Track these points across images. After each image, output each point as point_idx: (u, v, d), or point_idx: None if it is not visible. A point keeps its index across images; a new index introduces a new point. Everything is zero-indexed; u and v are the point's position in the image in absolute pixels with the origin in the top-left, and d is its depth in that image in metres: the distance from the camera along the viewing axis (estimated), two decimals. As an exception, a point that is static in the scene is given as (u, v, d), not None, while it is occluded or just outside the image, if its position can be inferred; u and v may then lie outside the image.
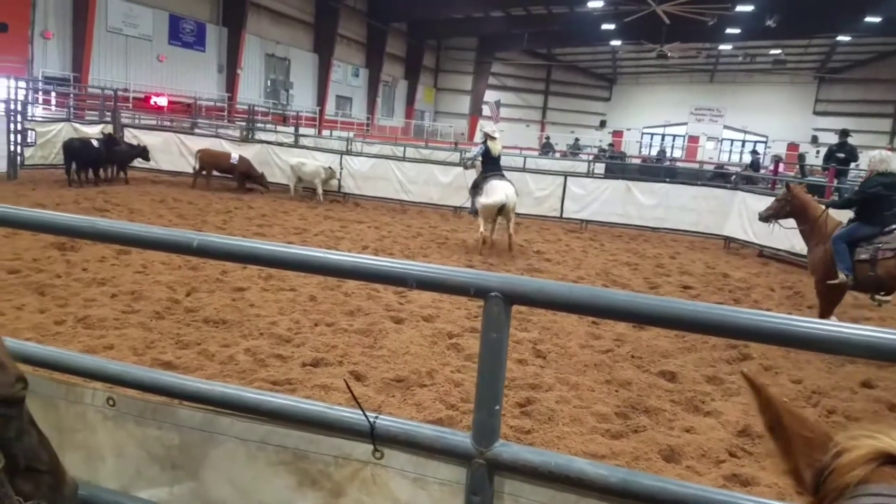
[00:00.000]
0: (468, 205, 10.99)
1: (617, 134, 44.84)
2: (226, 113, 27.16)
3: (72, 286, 6.37)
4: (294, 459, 1.69)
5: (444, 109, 47.95)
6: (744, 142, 44.64)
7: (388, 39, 38.91)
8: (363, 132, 32.63)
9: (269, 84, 31.27)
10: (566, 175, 15.16)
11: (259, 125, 23.02)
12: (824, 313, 6.75)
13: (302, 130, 24.01)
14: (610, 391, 4.91)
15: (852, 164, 16.00)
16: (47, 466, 1.12)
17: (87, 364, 1.97)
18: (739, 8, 30.13)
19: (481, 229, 10.41)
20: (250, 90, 29.42)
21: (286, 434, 1.70)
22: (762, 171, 20.64)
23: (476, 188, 10.60)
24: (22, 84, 15.29)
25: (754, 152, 25.43)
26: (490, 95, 45.68)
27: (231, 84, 28.15)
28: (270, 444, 1.71)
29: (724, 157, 43.16)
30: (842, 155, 15.30)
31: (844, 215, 6.99)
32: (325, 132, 28.15)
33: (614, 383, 5.05)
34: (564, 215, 14.44)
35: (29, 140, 14.09)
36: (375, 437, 1.58)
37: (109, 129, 15.23)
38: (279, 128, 24.14)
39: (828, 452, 0.76)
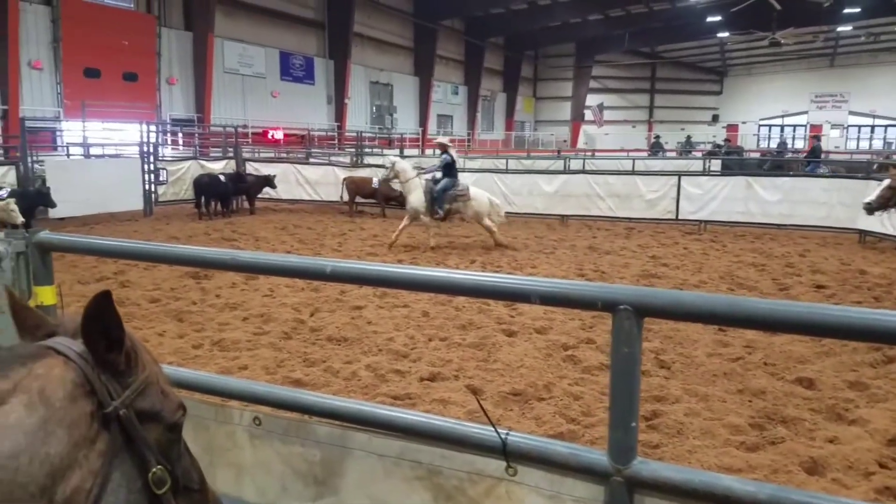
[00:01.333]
0: (420, 209, 11.29)
1: (731, 128, 42.80)
2: (336, 141, 28.35)
3: (207, 312, 6.84)
4: (429, 475, 1.72)
5: (545, 118, 47.66)
6: (873, 127, 41.27)
7: (486, 55, 39.26)
8: (464, 148, 33.01)
9: (374, 110, 32.41)
10: (679, 175, 14.60)
11: (367, 150, 23.87)
12: None
13: (406, 152, 24.65)
14: (742, 401, 4.65)
15: None
16: (198, 485, 1.22)
17: (235, 386, 2.11)
18: (858, -15, 28.10)
19: (406, 227, 11.41)
20: (357, 117, 30.61)
21: (419, 450, 1.73)
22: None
23: (447, 192, 11.02)
24: (153, 128, 16.70)
25: (816, 138, 23.20)
26: (592, 99, 44.91)
27: (339, 113, 29.40)
28: (405, 460, 1.75)
29: (852, 145, 40.10)
30: None
31: None
32: (428, 151, 28.71)
33: (747, 393, 4.78)
34: (680, 217, 13.90)
35: (161, 179, 15.35)
36: (508, 453, 1.58)
37: (232, 166, 16.29)
38: (385, 151, 24.89)
39: None
